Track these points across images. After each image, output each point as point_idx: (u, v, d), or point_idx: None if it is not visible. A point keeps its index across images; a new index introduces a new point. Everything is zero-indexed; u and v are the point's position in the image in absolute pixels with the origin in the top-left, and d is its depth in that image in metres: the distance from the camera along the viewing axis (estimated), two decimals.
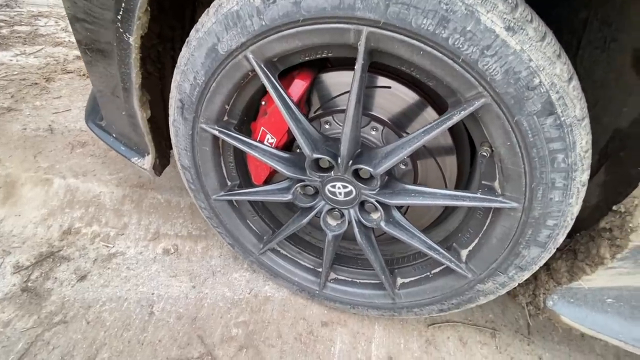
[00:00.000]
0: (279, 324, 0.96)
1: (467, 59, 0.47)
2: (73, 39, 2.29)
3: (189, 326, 0.91)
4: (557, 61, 0.46)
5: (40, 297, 0.91)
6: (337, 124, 0.77)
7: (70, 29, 2.18)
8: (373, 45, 0.52)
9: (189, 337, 0.89)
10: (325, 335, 0.96)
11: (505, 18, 0.45)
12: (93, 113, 1.05)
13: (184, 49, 0.65)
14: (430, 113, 0.69)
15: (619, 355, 1.09)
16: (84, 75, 1.90)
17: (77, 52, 2.13)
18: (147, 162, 0.91)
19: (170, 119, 0.76)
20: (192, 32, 0.62)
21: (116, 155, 1.40)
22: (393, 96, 0.69)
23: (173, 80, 0.71)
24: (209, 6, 0.81)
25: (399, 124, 0.72)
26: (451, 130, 0.72)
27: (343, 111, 0.75)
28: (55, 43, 2.20)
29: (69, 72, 1.90)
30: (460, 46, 0.47)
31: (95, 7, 0.66)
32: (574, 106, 0.48)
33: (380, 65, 0.61)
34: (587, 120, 0.51)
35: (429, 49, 0.49)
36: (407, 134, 0.72)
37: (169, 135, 0.93)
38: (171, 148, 0.97)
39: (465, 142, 0.74)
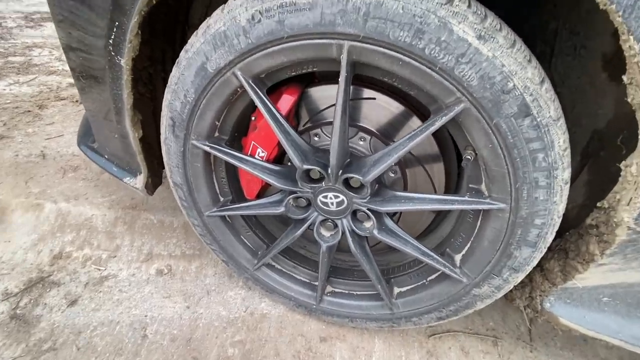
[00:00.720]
0: (277, 341, 0.94)
1: (443, 67, 0.50)
2: (67, 67, 2.33)
3: (183, 348, 0.89)
4: (528, 65, 0.49)
5: (29, 324, 0.88)
6: (326, 135, 0.78)
7: (64, 57, 2.22)
8: (355, 57, 0.55)
9: (183, 359, 0.86)
10: (325, 351, 0.94)
11: (476, 28, 0.47)
12: (85, 136, 1.06)
13: (174, 69, 0.67)
14: (415, 121, 0.71)
15: (622, 358, 1.07)
16: (76, 101, 1.92)
17: (71, 80, 2.17)
18: (140, 181, 0.91)
19: (162, 137, 0.77)
20: (182, 53, 0.65)
21: (108, 178, 1.40)
22: (378, 107, 0.72)
23: (164, 99, 0.72)
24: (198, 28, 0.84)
25: (386, 134, 0.74)
26: (436, 137, 0.74)
27: (331, 123, 0.77)
28: (49, 72, 2.24)
29: (62, 99, 1.92)
30: (437, 55, 0.49)
31: (88, 36, 0.69)
32: (548, 107, 0.50)
33: (364, 77, 0.63)
34: (562, 120, 0.53)
35: (407, 59, 0.51)
36: (394, 141, 0.74)
37: (161, 154, 0.94)
38: (163, 167, 0.98)
39: (450, 149, 0.76)
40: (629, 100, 0.46)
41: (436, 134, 0.73)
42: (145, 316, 0.94)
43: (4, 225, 1.14)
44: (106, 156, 0.96)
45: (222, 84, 0.64)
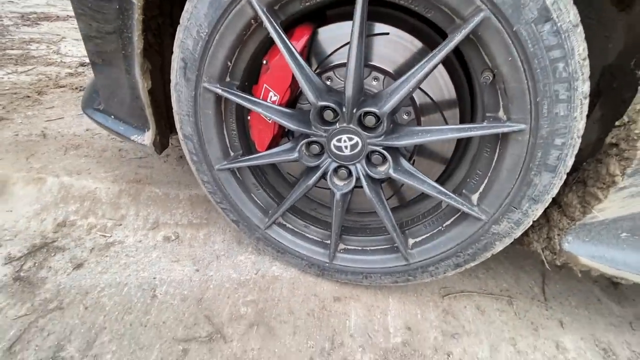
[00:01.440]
0: (290, 301, 0.92)
1: None
2: (65, 60, 2.33)
3: (194, 307, 0.86)
4: None
5: (34, 285, 0.85)
6: (338, 78, 0.78)
7: (61, 51, 2.21)
8: None
9: (195, 318, 0.84)
10: (339, 310, 0.91)
11: None
12: (90, 101, 1.04)
13: (187, 3, 0.67)
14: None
15: (638, 315, 1.06)
16: (76, 89, 1.91)
17: (69, 71, 2.16)
18: (148, 137, 0.90)
19: (172, 82, 0.76)
20: None
21: (111, 155, 1.38)
22: (392, 43, 0.72)
23: (175, 39, 0.72)
24: None
25: (400, 72, 0.74)
26: (453, 79, 0.74)
27: (343, 65, 0.77)
28: (47, 63, 2.23)
29: (61, 87, 1.91)
30: None
31: None
32: (567, 11, 0.51)
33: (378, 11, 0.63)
34: (581, 27, 0.53)
35: None
36: None
37: (169, 115, 0.93)
38: (171, 129, 0.97)
39: (466, 91, 0.76)
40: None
41: (453, 76, 0.73)
42: (154, 278, 0.92)
43: (5, 197, 1.11)
44: (112, 116, 0.95)
45: (236, 15, 0.64)
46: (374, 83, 0.76)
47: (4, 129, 1.45)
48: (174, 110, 0.81)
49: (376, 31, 0.71)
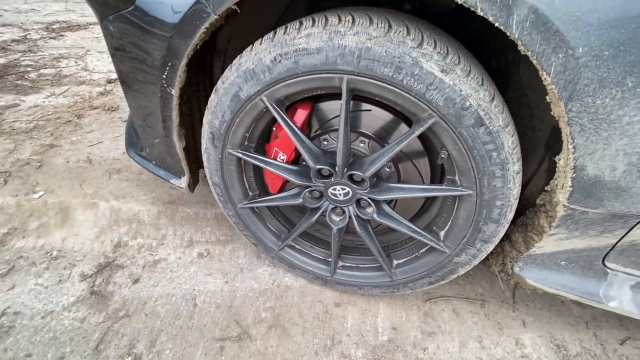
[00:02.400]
0: (300, 306, 1.16)
1: (418, 93, 0.68)
2: (94, 77, 2.55)
3: (226, 313, 1.11)
4: (480, 89, 0.66)
5: (106, 297, 1.12)
6: (333, 140, 0.97)
7: (89, 67, 2.43)
8: (352, 86, 0.73)
9: (227, 322, 1.09)
10: (339, 314, 1.15)
11: (439, 64, 0.65)
12: (132, 145, 1.27)
13: (213, 95, 0.86)
14: (403, 127, 0.89)
15: (595, 316, 1.26)
16: (108, 109, 2.14)
17: (99, 89, 2.39)
18: (184, 182, 1.12)
19: (203, 147, 0.98)
20: (219, 83, 0.84)
21: (147, 178, 1.62)
22: (374, 117, 0.90)
23: (205, 117, 0.92)
24: (223, 56, 1.03)
25: (381, 137, 0.93)
26: (421, 138, 0.92)
27: (337, 130, 0.96)
28: (79, 82, 2.46)
29: (95, 108, 2.14)
30: (412, 85, 0.67)
31: (146, 76, 0.88)
32: (497, 118, 0.68)
33: (361, 94, 0.81)
34: (510, 126, 0.70)
35: (391, 87, 0.69)
36: (387, 143, 0.93)
37: (198, 158, 1.15)
38: (199, 168, 1.19)
39: (433, 147, 0.94)
40: (552, 113, 0.63)
41: (420, 136, 0.91)
42: (194, 290, 1.17)
43: (70, 222, 1.37)
44: (154, 162, 1.18)
45: (251, 107, 0.83)
46: (362, 145, 0.94)
47: (56, 156, 1.71)
48: (204, 165, 1.03)
49: (362, 108, 0.89)
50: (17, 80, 2.41)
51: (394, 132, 0.91)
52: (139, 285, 1.17)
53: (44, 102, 2.18)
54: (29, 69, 2.60)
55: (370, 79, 0.69)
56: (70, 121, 2.00)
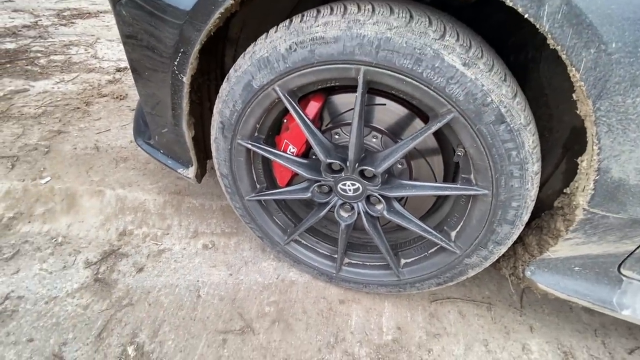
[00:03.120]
0: (304, 302, 1.14)
1: (437, 86, 0.65)
2: (103, 65, 2.55)
3: (230, 306, 1.10)
4: (503, 84, 0.64)
5: (109, 285, 1.11)
6: (345, 134, 0.95)
7: (99, 55, 2.42)
8: (369, 78, 0.70)
9: (230, 314, 1.08)
10: (343, 311, 1.14)
11: (462, 57, 0.62)
12: (140, 134, 1.26)
13: (224, 83, 0.85)
14: (417, 122, 0.87)
15: (604, 324, 1.23)
16: (117, 98, 2.13)
17: (108, 78, 2.39)
18: (192, 172, 1.11)
19: (212, 137, 0.96)
20: (232, 72, 0.82)
21: (154, 167, 1.62)
22: (388, 111, 0.87)
23: (215, 106, 0.90)
24: (235, 45, 1.01)
25: (394, 132, 0.90)
26: (436, 135, 0.90)
27: (349, 124, 0.94)
28: (88, 70, 2.45)
29: (104, 96, 2.14)
30: (432, 77, 0.65)
31: (157, 62, 0.87)
32: (519, 116, 0.65)
33: (377, 87, 0.79)
34: (532, 125, 0.68)
35: (409, 79, 0.67)
36: (401, 139, 0.90)
37: (206, 149, 1.14)
38: (207, 159, 1.18)
39: (448, 144, 0.91)
40: (578, 112, 0.61)
41: (435, 133, 0.88)
42: (198, 281, 1.16)
43: (76, 208, 1.37)
44: (162, 151, 1.16)
45: (263, 97, 0.81)
46: (374, 140, 0.92)
47: (64, 143, 1.70)
48: (213, 155, 1.01)
49: (376, 102, 0.87)
50: (27, 65, 2.42)
51: (408, 128, 0.89)
52: (143, 274, 1.16)
53: (53, 88, 2.18)
54: (39, 54, 2.61)
55: (389, 70, 0.67)
56: (78, 108, 1.99)
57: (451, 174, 0.93)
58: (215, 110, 0.91)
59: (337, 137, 0.97)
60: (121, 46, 2.92)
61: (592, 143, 0.61)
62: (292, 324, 1.08)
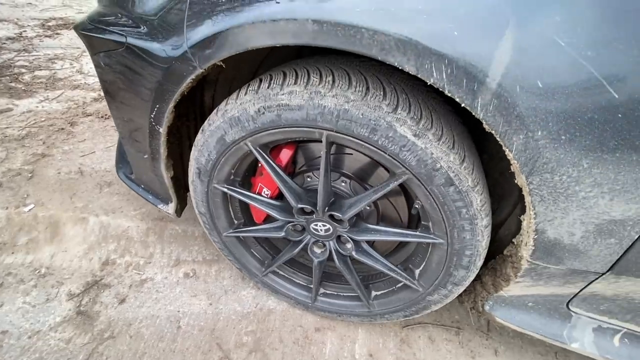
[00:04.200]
0: (281, 331, 1.20)
1: (392, 153, 0.71)
2: (88, 82, 2.55)
3: (209, 336, 1.15)
4: (451, 152, 0.70)
5: (92, 318, 1.15)
6: (316, 177, 1.00)
7: (84, 70, 2.43)
8: (331, 140, 0.76)
9: (209, 345, 1.13)
10: (318, 339, 1.19)
11: (412, 128, 0.68)
12: (122, 166, 1.29)
13: (199, 134, 0.89)
14: (382, 170, 0.93)
15: (564, 348, 1.31)
16: (102, 117, 2.15)
17: (94, 95, 2.39)
18: (171, 208, 1.15)
19: (190, 179, 1.00)
20: (206, 125, 0.87)
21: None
22: (355, 159, 0.93)
23: (192, 153, 0.95)
24: (214, 85, 1.05)
25: (361, 177, 0.96)
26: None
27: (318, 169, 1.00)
28: (73, 86, 2.46)
29: (88, 115, 2.15)
30: (387, 145, 0.70)
31: (135, 115, 0.91)
32: (466, 179, 0.72)
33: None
34: (479, 185, 0.74)
35: (367, 145, 0.72)
36: (368, 184, 0.96)
37: (186, 185, 1.18)
38: (187, 191, 1.22)
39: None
40: (516, 182, 0.67)
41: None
42: (178, 311, 1.21)
43: (59, 237, 1.40)
44: (142, 186, 1.20)
45: (236, 149, 0.86)
46: (343, 184, 0.98)
47: (48, 167, 1.72)
48: (191, 194, 1.06)
49: (345, 151, 0.92)
50: (11, 82, 2.41)
51: (373, 174, 0.94)
52: (125, 305, 1.20)
53: (37, 107, 2.18)
54: (23, 70, 2.60)
55: (348, 136, 0.73)
56: (63, 129, 2.01)
57: (415, 217, 0.99)
58: (192, 156, 0.95)
59: (309, 179, 1.02)
60: None
61: (529, 208, 0.67)
62: (269, 354, 1.13)
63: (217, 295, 1.28)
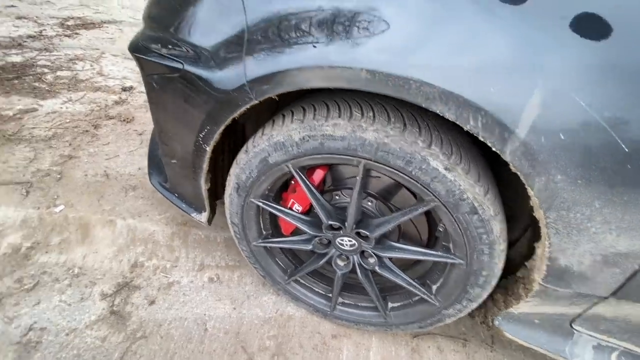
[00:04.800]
0: (300, 337, 1.27)
1: (423, 182, 0.80)
2: (109, 84, 2.63)
3: (234, 339, 1.23)
4: (476, 185, 0.79)
5: (124, 318, 1.22)
6: (344, 196, 1.09)
7: (104, 72, 2.50)
8: (367, 167, 0.85)
9: (235, 348, 1.20)
10: (335, 345, 1.27)
11: (444, 162, 0.77)
12: (154, 174, 1.37)
13: (243, 154, 0.97)
14: (407, 193, 1.02)
15: None
16: (123, 120, 2.22)
17: (114, 98, 2.47)
18: (204, 217, 1.23)
19: (227, 193, 1.08)
20: (250, 146, 0.95)
21: (161, 198, 1.72)
22: (382, 182, 1.02)
23: (232, 169, 1.03)
24: (253, 124, 1.13)
25: (386, 198, 1.05)
26: None
27: (349, 189, 1.08)
28: (95, 88, 2.53)
29: (111, 118, 2.23)
30: (419, 175, 0.79)
31: (182, 128, 0.99)
32: (489, 209, 0.80)
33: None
34: (500, 215, 0.83)
35: (401, 174, 0.81)
36: (392, 204, 1.05)
37: (216, 194, 1.26)
38: (216, 200, 1.30)
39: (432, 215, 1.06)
40: (534, 215, 0.76)
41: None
42: (205, 315, 1.28)
43: (90, 239, 1.47)
44: (176, 195, 1.28)
45: (276, 170, 0.95)
46: (369, 204, 1.06)
47: (75, 169, 1.79)
48: (226, 207, 1.13)
49: (373, 175, 1.01)
50: (34, 82, 2.48)
51: (398, 196, 1.03)
52: (155, 307, 1.27)
53: (61, 108, 2.25)
54: (45, 70, 2.67)
55: (385, 165, 0.81)
56: (87, 131, 2.08)
57: (434, 236, 1.08)
58: (232, 172, 1.03)
59: (337, 197, 1.10)
60: (126, 62, 3.00)
61: (544, 239, 0.76)
62: (290, 358, 1.21)
63: (240, 300, 1.35)
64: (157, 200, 1.70)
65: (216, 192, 1.27)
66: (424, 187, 0.81)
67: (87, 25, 3.65)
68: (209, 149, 0.98)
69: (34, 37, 3.17)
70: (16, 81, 2.44)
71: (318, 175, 1.03)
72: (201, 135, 0.96)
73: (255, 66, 0.78)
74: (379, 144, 0.78)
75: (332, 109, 0.84)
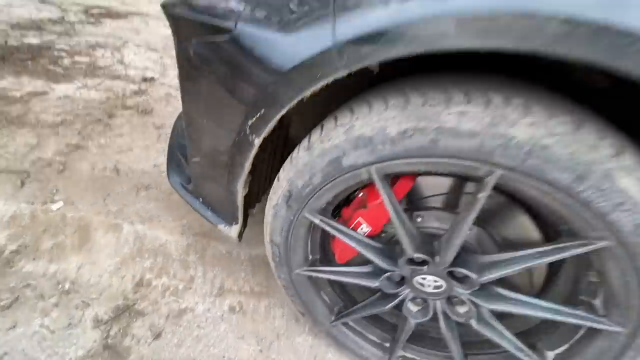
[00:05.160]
0: None
1: (597, 210, 0.52)
2: (129, 73, 2.42)
3: None
4: None
5: (120, 355, 0.94)
6: (429, 220, 0.81)
7: (125, 61, 2.29)
8: (501, 182, 0.57)
9: None
10: None
11: None
12: (176, 174, 1.11)
13: (303, 152, 0.71)
14: (526, 221, 0.73)
15: None
16: (141, 112, 2.00)
17: (134, 88, 2.25)
18: (234, 230, 0.95)
19: (272, 202, 0.81)
20: (317, 142, 0.68)
21: (178, 200, 1.46)
22: (489, 201, 0.73)
23: (283, 172, 0.76)
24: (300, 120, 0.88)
25: (493, 226, 0.76)
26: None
27: (435, 209, 0.80)
28: (113, 76, 2.33)
29: (128, 108, 2.00)
30: (594, 199, 0.51)
31: (224, 115, 0.73)
32: None
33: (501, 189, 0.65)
34: None
35: (561, 195, 0.53)
36: (498, 234, 0.76)
37: (251, 207, 0.99)
38: (250, 208, 1.02)
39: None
40: None
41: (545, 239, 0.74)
42: (223, 357, 0.99)
43: (89, 245, 1.21)
44: (201, 199, 1.01)
45: (351, 176, 0.67)
46: (467, 232, 0.78)
47: (81, 160, 1.55)
48: (266, 220, 0.86)
49: (466, 190, 0.73)
50: (49, 65, 2.29)
51: (511, 225, 0.75)
52: (160, 342, 0.99)
53: (74, 93, 2.04)
54: (63, 54, 2.48)
55: (533, 179, 0.53)
56: (100, 120, 1.85)
57: (553, 286, 0.79)
58: (282, 176, 0.77)
59: (418, 220, 0.82)
60: (149, 53, 2.81)
61: None
62: None
63: (268, 340, 1.06)
64: (172, 204, 1.44)
65: (252, 203, 1.01)
66: (596, 217, 0.52)
67: (112, 14, 3.51)
68: (257, 142, 0.72)
69: (55, 21, 3.02)
70: (30, 62, 2.25)
71: (403, 187, 0.75)
72: (249, 123, 0.70)
73: (353, 19, 0.51)
74: (534, 146, 0.51)
75: (456, 96, 0.56)
